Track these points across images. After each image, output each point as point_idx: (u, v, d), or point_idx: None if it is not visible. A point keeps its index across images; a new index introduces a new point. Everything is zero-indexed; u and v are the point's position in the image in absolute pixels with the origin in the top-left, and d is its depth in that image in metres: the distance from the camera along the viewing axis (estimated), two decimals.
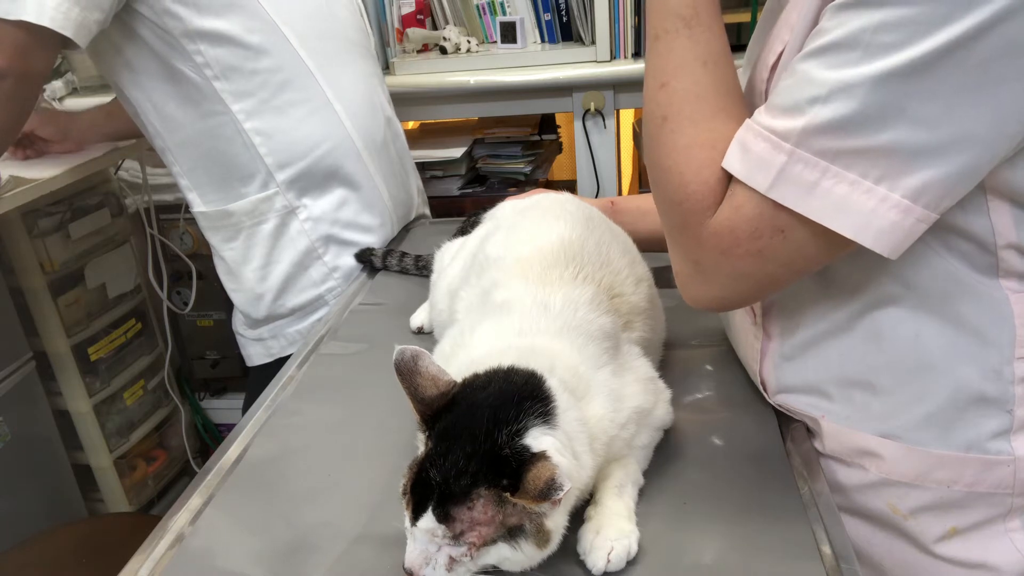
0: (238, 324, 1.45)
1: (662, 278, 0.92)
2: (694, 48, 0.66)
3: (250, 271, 1.35)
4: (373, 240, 1.39)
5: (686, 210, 0.66)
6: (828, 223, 0.59)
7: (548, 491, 0.55)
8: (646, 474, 0.75)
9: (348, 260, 1.37)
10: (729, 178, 0.64)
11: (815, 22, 0.61)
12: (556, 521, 0.61)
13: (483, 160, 2.03)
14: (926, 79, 0.54)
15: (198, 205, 1.36)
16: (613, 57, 1.80)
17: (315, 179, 1.32)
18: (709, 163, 0.65)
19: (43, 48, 1.12)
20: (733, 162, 0.63)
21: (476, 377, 0.64)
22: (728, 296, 0.70)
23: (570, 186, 1.98)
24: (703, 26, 0.66)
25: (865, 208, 0.58)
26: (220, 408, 2.27)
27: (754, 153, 0.61)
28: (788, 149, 0.59)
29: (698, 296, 0.71)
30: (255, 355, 1.43)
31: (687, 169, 0.66)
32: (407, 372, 0.63)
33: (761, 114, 0.63)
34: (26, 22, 1.07)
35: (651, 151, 0.69)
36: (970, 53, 0.52)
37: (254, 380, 1.46)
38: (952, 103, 0.54)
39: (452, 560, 0.59)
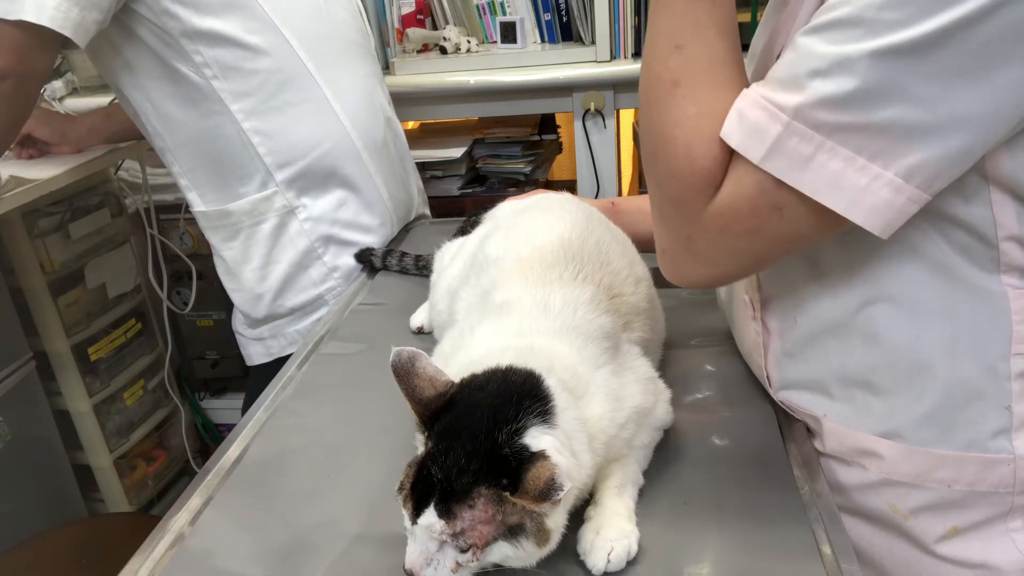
0: (238, 324, 1.45)
1: (661, 278, 0.92)
2: (714, 13, 0.64)
3: (249, 271, 1.35)
4: (373, 240, 1.39)
5: (689, 185, 0.64)
6: (820, 198, 0.59)
7: (548, 491, 0.55)
8: (646, 474, 0.75)
9: (348, 260, 1.37)
10: (732, 153, 0.63)
11: (819, 5, 0.60)
12: (556, 520, 0.61)
13: (483, 160, 2.03)
14: (927, 59, 0.54)
15: (197, 205, 1.36)
16: (613, 57, 1.80)
17: (314, 179, 1.32)
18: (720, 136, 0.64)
19: (43, 48, 1.12)
20: (730, 131, 0.62)
21: (474, 377, 0.64)
22: (717, 274, 0.70)
23: (570, 186, 1.98)
24: None
25: (858, 185, 0.58)
26: (220, 408, 2.27)
27: (749, 121, 0.61)
28: (785, 120, 0.59)
29: (687, 273, 0.70)
30: (255, 354, 1.43)
31: (696, 140, 0.63)
32: (404, 374, 0.63)
33: (760, 85, 0.62)
34: (26, 22, 1.07)
35: (654, 117, 0.66)
36: (972, 35, 0.52)
37: (254, 380, 1.47)
38: (951, 84, 0.54)
39: (458, 564, 0.59)
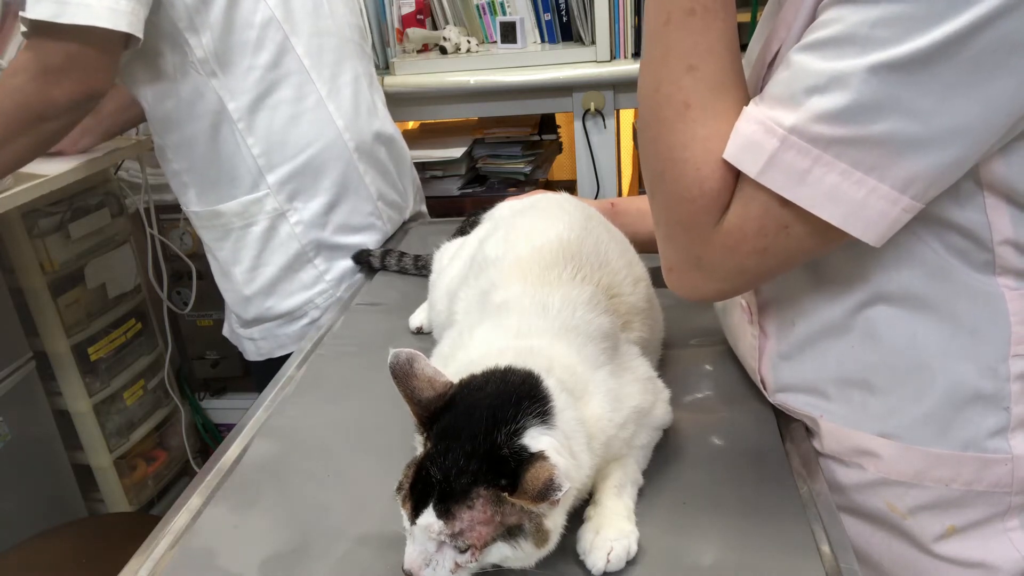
0: (232, 321, 1.45)
1: (660, 278, 0.92)
2: (727, 32, 0.64)
3: (239, 272, 1.35)
4: (366, 242, 1.39)
5: (699, 207, 0.65)
6: (817, 211, 0.60)
7: (547, 491, 0.55)
8: (645, 474, 0.75)
9: (340, 263, 1.36)
10: (739, 174, 0.64)
11: (812, 19, 0.61)
12: (555, 520, 0.61)
13: (483, 160, 2.03)
14: (922, 73, 0.54)
15: (189, 204, 1.36)
16: (613, 57, 1.80)
17: (305, 181, 1.32)
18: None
19: (111, 59, 1.11)
20: (729, 148, 0.63)
21: (473, 378, 0.64)
22: (725, 289, 0.71)
23: (570, 186, 1.98)
24: (731, 10, 0.65)
25: (855, 198, 0.58)
26: (220, 408, 2.27)
27: (747, 137, 0.61)
28: (781, 135, 0.59)
29: (695, 290, 0.71)
30: (249, 351, 1.44)
31: (705, 162, 0.64)
32: (403, 375, 0.63)
33: (758, 103, 0.63)
34: (90, 28, 1.04)
35: (664, 139, 0.66)
36: (965, 48, 0.53)
37: (258, 373, 1.46)
38: (945, 96, 0.55)
39: (457, 565, 0.59)
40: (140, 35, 1.10)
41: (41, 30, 1.06)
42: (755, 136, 0.61)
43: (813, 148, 0.58)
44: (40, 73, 1.09)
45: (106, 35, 1.07)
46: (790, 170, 0.59)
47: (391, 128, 1.51)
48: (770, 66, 0.68)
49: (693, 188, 0.64)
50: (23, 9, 1.05)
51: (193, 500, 0.80)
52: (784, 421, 0.82)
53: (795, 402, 0.79)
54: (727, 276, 0.68)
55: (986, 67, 0.54)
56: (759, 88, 0.70)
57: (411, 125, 2.25)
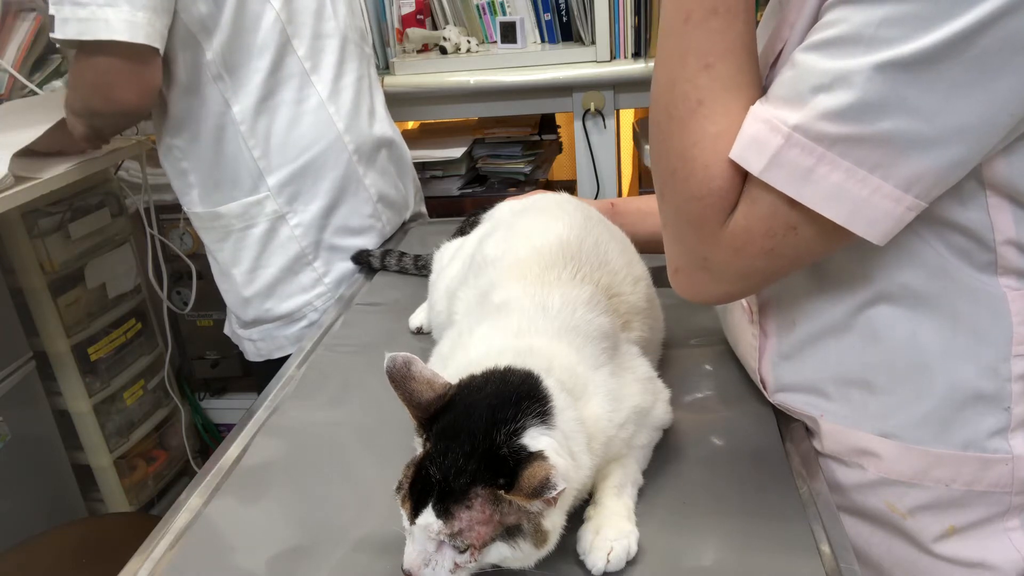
0: (232, 322, 1.45)
1: (660, 278, 0.92)
2: (747, 33, 0.64)
3: (239, 274, 1.35)
4: (365, 243, 1.39)
5: (707, 205, 0.64)
6: (821, 210, 0.59)
7: (542, 489, 0.55)
8: (645, 474, 0.75)
9: (339, 265, 1.36)
10: (747, 174, 0.63)
11: (815, 19, 0.61)
12: (554, 521, 0.61)
13: (483, 160, 2.03)
14: (927, 71, 0.54)
15: (192, 205, 1.36)
16: (613, 57, 1.80)
17: (305, 183, 1.32)
18: None
19: (148, 67, 1.16)
20: (735, 148, 0.62)
21: (473, 378, 0.64)
22: (732, 291, 0.71)
23: (570, 186, 1.98)
24: (752, 12, 0.64)
25: (859, 197, 0.58)
26: (220, 408, 2.27)
27: (751, 136, 0.61)
28: (786, 132, 0.59)
29: (701, 291, 0.70)
30: (249, 352, 1.44)
31: (714, 160, 0.63)
32: (400, 378, 0.63)
33: (762, 103, 0.63)
34: (118, 42, 1.09)
35: (676, 136, 0.65)
36: (970, 47, 0.53)
37: (259, 373, 1.46)
38: (950, 95, 0.55)
39: (457, 565, 0.59)
40: (159, 46, 1.13)
41: (76, 48, 1.13)
42: (759, 134, 0.61)
43: (817, 146, 0.58)
44: (88, 88, 1.17)
45: (131, 48, 1.10)
46: (794, 168, 0.59)
47: (391, 130, 1.51)
48: (773, 66, 0.68)
49: (702, 186, 0.64)
50: (28, 11, 1.08)
51: (193, 500, 0.80)
52: (784, 421, 0.82)
53: (795, 402, 0.79)
54: (734, 277, 0.68)
55: (991, 66, 0.53)
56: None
57: (411, 125, 2.25)
